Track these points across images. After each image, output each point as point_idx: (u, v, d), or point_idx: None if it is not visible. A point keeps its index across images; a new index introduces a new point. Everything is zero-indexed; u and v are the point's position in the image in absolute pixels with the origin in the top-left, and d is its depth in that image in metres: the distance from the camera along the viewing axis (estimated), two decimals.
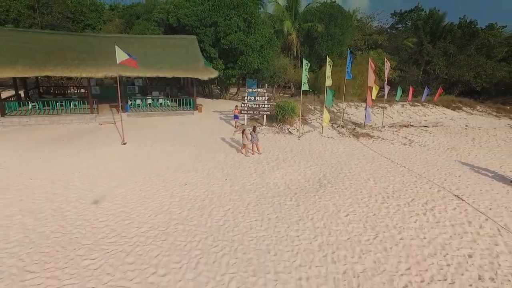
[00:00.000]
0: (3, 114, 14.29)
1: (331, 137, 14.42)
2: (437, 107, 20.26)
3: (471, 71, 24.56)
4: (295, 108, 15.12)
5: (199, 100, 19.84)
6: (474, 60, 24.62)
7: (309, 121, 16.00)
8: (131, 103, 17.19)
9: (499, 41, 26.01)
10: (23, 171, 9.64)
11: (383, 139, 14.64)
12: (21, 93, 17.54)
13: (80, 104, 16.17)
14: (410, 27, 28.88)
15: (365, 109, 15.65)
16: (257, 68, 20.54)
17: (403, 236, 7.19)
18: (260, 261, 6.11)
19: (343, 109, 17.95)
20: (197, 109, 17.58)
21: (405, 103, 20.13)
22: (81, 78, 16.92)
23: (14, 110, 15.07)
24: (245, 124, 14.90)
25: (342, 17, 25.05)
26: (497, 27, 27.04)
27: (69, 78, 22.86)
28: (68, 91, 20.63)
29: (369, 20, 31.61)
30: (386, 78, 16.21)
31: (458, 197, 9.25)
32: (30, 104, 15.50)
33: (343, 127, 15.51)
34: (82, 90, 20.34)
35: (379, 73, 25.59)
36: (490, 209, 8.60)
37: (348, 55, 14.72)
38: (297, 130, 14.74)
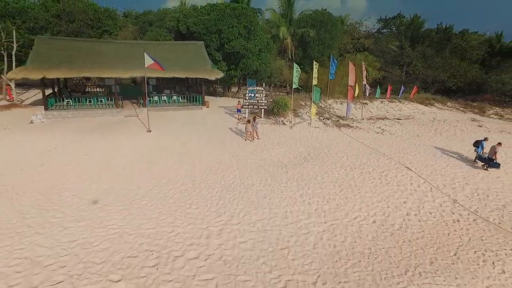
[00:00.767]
0: (46, 108, 17.25)
1: (318, 127, 17.49)
2: (412, 103, 23.39)
3: (446, 72, 27.73)
4: (288, 104, 18.18)
5: (205, 98, 22.79)
6: (448, 62, 27.79)
7: (300, 114, 19.06)
8: (150, 99, 20.16)
9: (471, 45, 29.20)
10: (79, 150, 12.66)
11: (361, 128, 17.72)
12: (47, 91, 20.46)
13: (107, 100, 19.16)
14: (393, 32, 32.01)
15: (347, 104, 18.74)
16: (256, 69, 23.56)
17: (361, 191, 10.27)
18: (259, 203, 9.17)
19: (329, 105, 21.03)
20: (205, 105, 20.59)
21: (384, 99, 23.27)
22: (97, 78, 19.89)
23: (53, 105, 17.99)
24: (246, 117, 17.93)
25: (331, 23, 28.12)
26: (469, 32, 30.17)
27: (87, 79, 25.76)
28: (89, 90, 23.53)
29: (357, 26, 34.74)
30: (364, 80, 19.25)
31: (408, 168, 12.35)
32: (65, 100, 18.45)
33: (328, 119, 18.59)
34: (98, 89, 23.16)
35: (366, 73, 28.70)
36: (429, 176, 11.71)
37: (332, 59, 17.80)
38: (290, 121, 17.81)
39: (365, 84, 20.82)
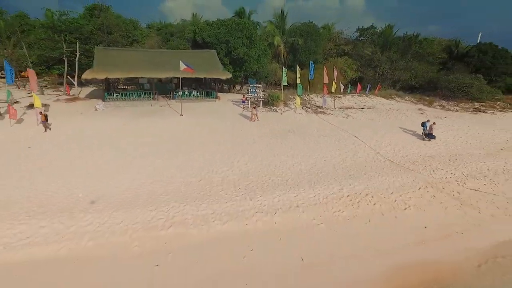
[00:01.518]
0: (103, 100, 23.80)
1: (301, 113, 24.22)
2: (376, 97, 30.20)
3: (407, 72, 34.61)
4: (279, 96, 24.91)
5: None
6: (409, 65, 34.68)
7: (289, 104, 25.78)
8: (177, 93, 26.74)
9: (428, 52, 36.17)
10: (140, 126, 19.33)
11: (332, 114, 24.49)
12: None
13: (144, 94, 25.73)
14: (368, 40, 38.81)
15: (323, 97, 25.52)
16: (256, 71, 30.18)
17: (322, 147, 17.10)
18: (263, 157, 15.96)
19: (311, 98, 27.78)
20: (217, 98, 27.23)
21: (354, 94, 30.10)
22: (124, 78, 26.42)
23: (106, 98, 24.50)
24: (249, 106, 24.55)
25: (316, 34, 34.81)
26: (429, 40, 37.20)
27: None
28: (125, 87, 29.96)
29: (340, 34, 41.56)
30: (335, 81, 25.98)
31: (356, 137, 19.16)
32: (115, 94, 24.98)
33: (309, 108, 25.33)
34: (129, 87, 29.49)
35: (344, 74, 35.59)
36: (368, 141, 18.54)
37: (310, 64, 24.55)
38: (281, 109, 24.54)
39: (340, 82, 27.58)
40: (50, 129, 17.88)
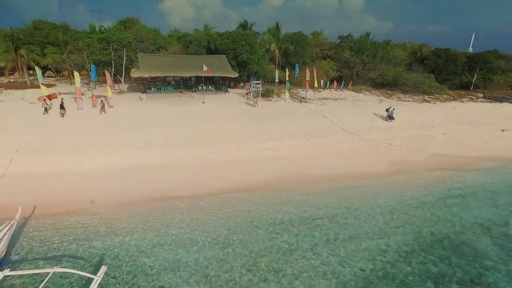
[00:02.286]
0: (144, 91, 32.72)
1: (289, 102, 33.25)
2: (349, 91, 39.27)
3: (376, 72, 43.68)
4: (274, 90, 33.92)
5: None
6: (377, 66, 43.77)
7: (280, 96, 34.79)
8: (197, 88, 35.64)
9: (393, 55, 45.30)
10: (168, 111, 28.37)
11: (312, 103, 33.53)
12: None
13: (173, 88, 34.63)
14: (347, 46, 47.82)
15: (305, 91, 34.62)
16: (256, 71, 39.08)
17: (301, 122, 26.32)
18: (261, 126, 25.14)
19: (298, 91, 36.84)
20: (227, 92, 36.16)
21: (332, 89, 39.14)
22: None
23: (147, 90, 33.36)
24: (251, 97, 33.50)
25: (304, 41, 43.74)
26: (393, 45, 46.37)
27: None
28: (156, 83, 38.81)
29: (324, 40, 50.60)
30: (315, 79, 34.97)
31: (325, 116, 28.31)
32: (152, 88, 33.89)
33: (295, 98, 34.37)
34: (159, 83, 38.32)
35: (327, 73, 44.62)
36: (334, 119, 27.69)
37: (296, 66, 33.60)
38: (274, 99, 33.56)
39: (321, 79, 36.56)
40: (105, 112, 26.25)
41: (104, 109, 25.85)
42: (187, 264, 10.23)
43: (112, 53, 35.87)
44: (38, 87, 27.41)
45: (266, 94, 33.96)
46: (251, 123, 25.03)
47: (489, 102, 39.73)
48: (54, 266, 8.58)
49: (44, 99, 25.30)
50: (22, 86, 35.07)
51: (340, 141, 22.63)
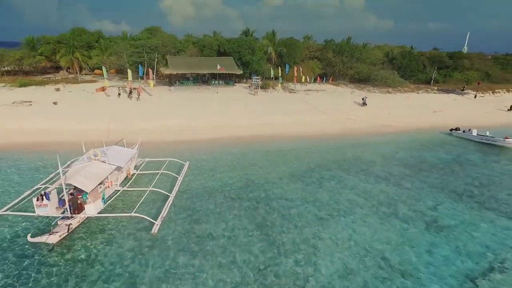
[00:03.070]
0: (171, 85, 43.43)
1: (281, 93, 44.04)
2: (329, 85, 50.03)
3: (353, 70, 54.36)
4: (270, 84, 44.70)
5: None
6: (354, 65, 54.45)
7: (275, 88, 45.56)
8: (212, 82, 46.28)
9: (367, 56, 55.93)
10: (192, 98, 39.27)
11: (299, 93, 44.29)
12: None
13: (193, 83, 45.35)
14: (330, 48, 58.44)
15: (294, 84, 45.39)
16: (256, 69, 49.74)
17: (289, 106, 37.30)
18: (260, 107, 36.11)
19: (288, 84, 47.65)
20: (234, 85, 46.89)
21: (316, 83, 49.92)
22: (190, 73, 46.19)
23: (173, 84, 43.99)
24: (253, 89, 44.15)
25: (295, 44, 54.29)
26: (367, 47, 57.04)
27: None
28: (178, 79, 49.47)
29: (313, 43, 61.27)
30: (301, 76, 45.73)
31: (307, 102, 39.22)
32: (177, 82, 44.58)
33: (286, 90, 45.13)
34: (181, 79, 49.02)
35: (313, 71, 55.42)
36: (314, 104, 38.62)
37: (286, 65, 44.37)
38: (270, 91, 44.36)
39: (307, 76, 47.36)
40: (139, 99, 36.92)
41: (139, 96, 36.70)
42: (222, 158, 21.10)
43: (145, 56, 46.57)
44: (87, 82, 38.24)
45: (264, 87, 44.71)
46: (252, 105, 35.79)
47: (440, 93, 50.51)
48: (161, 169, 19.44)
49: (131, 89, 36.87)
50: (75, 81, 45.79)
51: (315, 118, 33.40)
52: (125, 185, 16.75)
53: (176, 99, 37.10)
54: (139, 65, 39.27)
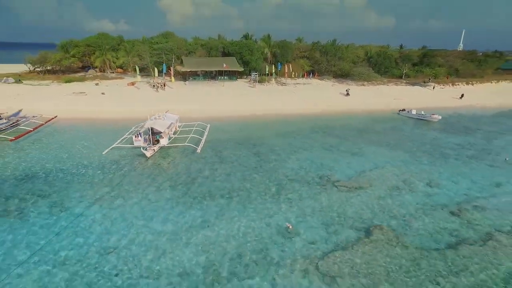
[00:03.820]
0: (185, 80, 54.00)
1: (275, 86, 54.66)
2: (315, 79, 60.63)
3: (335, 68, 64.91)
4: (266, 79, 55.36)
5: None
6: (337, 63, 65.00)
7: (270, 82, 56.16)
8: (218, 78, 56.85)
9: (347, 55, 66.42)
10: (205, 90, 50.02)
11: (289, 86, 54.88)
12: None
13: (202, 78, 55.92)
14: (317, 48, 68.96)
15: (285, 79, 55.98)
16: (255, 67, 60.27)
17: (281, 96, 48.12)
18: (258, 97, 46.91)
19: (280, 79, 58.27)
20: (237, 80, 57.44)
21: (304, 78, 60.46)
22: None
23: (187, 79, 54.48)
24: (252, 82, 54.66)
25: (287, 46, 64.75)
26: (347, 48, 67.65)
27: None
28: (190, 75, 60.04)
29: (304, 44, 71.82)
30: (292, 72, 56.34)
31: (294, 93, 49.97)
32: (191, 78, 55.11)
33: (279, 83, 55.73)
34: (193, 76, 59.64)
35: (303, 68, 66.13)
36: (300, 94, 49.40)
37: (279, 64, 55.00)
38: (266, 84, 55.00)
39: (296, 72, 58.00)
40: (164, 90, 47.52)
41: (164, 88, 47.34)
42: (231, 125, 31.74)
43: (164, 56, 57.23)
44: (115, 78, 48.70)
45: (261, 81, 55.32)
46: (251, 95, 46.40)
47: (406, 85, 61.10)
48: (194, 127, 30.17)
49: (158, 83, 47.49)
50: (106, 78, 56.38)
51: (298, 103, 43.98)
52: (175, 134, 27.54)
53: (192, 90, 47.77)
54: (163, 64, 49.89)
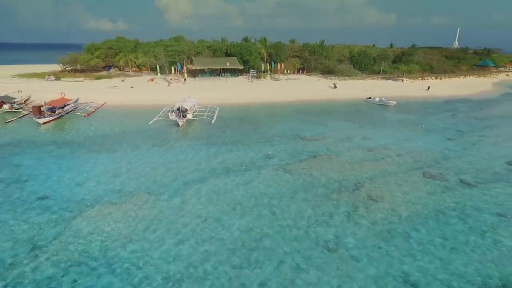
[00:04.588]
0: (195, 77, 65.01)
1: (269, 81, 65.69)
2: (305, 75, 71.66)
3: (322, 65, 75.84)
4: (262, 75, 66.40)
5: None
6: (323, 61, 75.91)
7: (265, 78, 67.19)
8: (222, 75, 67.83)
9: (331, 54, 77.24)
10: (212, 84, 61.20)
11: (281, 81, 65.91)
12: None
13: (211, 75, 66.90)
14: (307, 49, 79.86)
15: (278, 75, 67.03)
16: (253, 65, 71.21)
17: (275, 90, 59.42)
18: (256, 90, 58.18)
19: (274, 75, 69.34)
20: (238, 76, 68.42)
21: (295, 74, 71.45)
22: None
23: (197, 76, 65.40)
24: (250, 78, 65.58)
25: (281, 47, 75.61)
26: (332, 47, 78.50)
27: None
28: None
29: (296, 45, 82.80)
30: (284, 69, 67.40)
31: (285, 86, 61.15)
32: (199, 75, 66.05)
33: (273, 79, 66.76)
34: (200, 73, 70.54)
35: (294, 66, 77.35)
36: (292, 88, 60.65)
37: (273, 63, 66.10)
38: (262, 80, 66.04)
39: (288, 69, 69.02)
40: (185, 84, 58.53)
41: (184, 82, 58.56)
42: (234, 109, 42.84)
43: (177, 57, 68.32)
44: (136, 76, 59.71)
45: (258, 77, 66.36)
46: (250, 88, 57.45)
47: (381, 80, 72.08)
48: (208, 107, 41.39)
49: (175, 79, 58.54)
50: (127, 75, 67.42)
51: (287, 93, 54.99)
52: (196, 112, 38.86)
53: (202, 84, 58.90)
54: (178, 64, 61.01)
